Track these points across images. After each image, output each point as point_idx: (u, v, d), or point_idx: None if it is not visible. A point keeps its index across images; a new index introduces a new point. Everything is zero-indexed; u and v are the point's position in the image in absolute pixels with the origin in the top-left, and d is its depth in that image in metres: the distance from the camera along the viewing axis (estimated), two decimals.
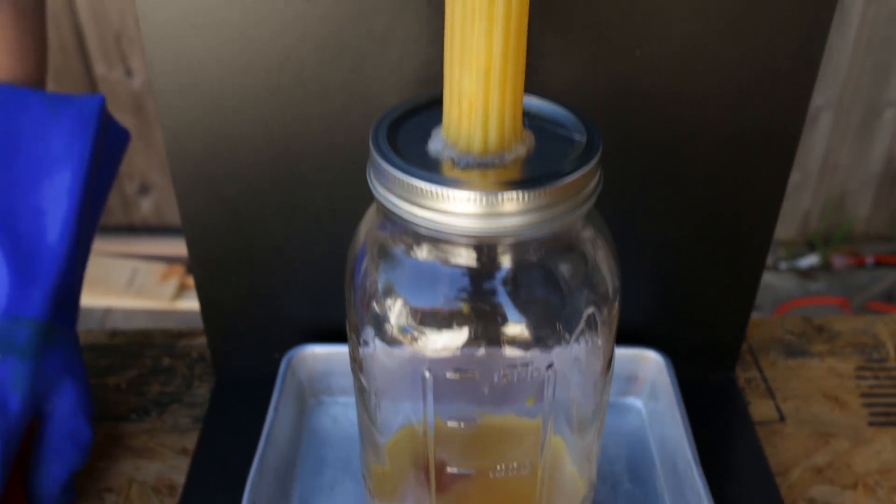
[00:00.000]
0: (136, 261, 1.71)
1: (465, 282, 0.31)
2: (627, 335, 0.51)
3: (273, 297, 0.51)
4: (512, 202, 0.29)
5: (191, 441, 0.52)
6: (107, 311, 1.65)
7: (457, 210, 0.29)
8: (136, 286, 1.66)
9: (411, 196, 0.30)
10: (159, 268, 1.70)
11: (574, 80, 0.43)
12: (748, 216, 0.48)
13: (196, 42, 0.41)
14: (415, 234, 0.31)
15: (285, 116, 0.44)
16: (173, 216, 1.68)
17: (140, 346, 0.59)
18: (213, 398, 0.54)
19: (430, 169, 0.30)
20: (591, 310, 0.34)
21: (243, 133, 0.44)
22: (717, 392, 0.54)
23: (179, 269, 1.67)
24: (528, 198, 0.29)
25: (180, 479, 0.49)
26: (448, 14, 0.29)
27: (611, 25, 0.41)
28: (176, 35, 0.41)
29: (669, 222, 0.49)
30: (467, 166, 0.31)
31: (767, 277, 1.80)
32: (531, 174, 0.30)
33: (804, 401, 0.54)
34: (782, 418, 0.53)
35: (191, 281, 1.55)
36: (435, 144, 0.32)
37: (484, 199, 0.29)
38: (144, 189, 1.74)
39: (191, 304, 1.62)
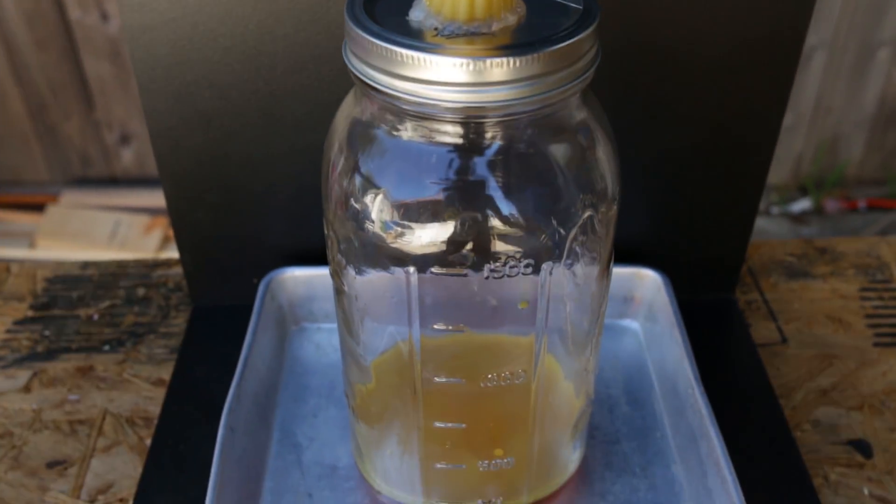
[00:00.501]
0: (118, 213, 1.68)
1: (452, 164, 0.28)
2: (623, 253, 0.48)
3: (250, 216, 0.48)
4: (500, 68, 0.26)
5: (167, 371, 0.49)
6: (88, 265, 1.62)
7: (441, 79, 0.26)
8: (119, 239, 1.63)
9: (392, 66, 0.27)
10: (142, 220, 1.66)
11: None
12: (749, 130, 0.46)
13: None
14: (397, 112, 0.28)
15: (255, 12, 0.40)
16: (155, 166, 1.65)
17: (113, 277, 0.56)
18: (190, 327, 0.51)
19: (411, 37, 0.27)
20: (588, 210, 0.31)
21: (212, 33, 0.41)
22: (718, 313, 0.51)
23: (163, 221, 1.64)
24: (518, 64, 0.26)
25: (156, 410, 0.47)
26: None
27: None
28: None
29: (669, 133, 0.46)
30: (452, 34, 0.28)
31: (760, 222, 1.78)
32: (520, 41, 0.27)
33: (807, 322, 0.52)
34: (784, 340, 0.51)
35: None
36: (416, 14, 0.29)
37: (470, 65, 0.26)
38: (125, 139, 1.70)
39: (176, 256, 1.59)
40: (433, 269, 0.29)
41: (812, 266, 0.56)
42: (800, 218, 1.79)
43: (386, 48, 0.27)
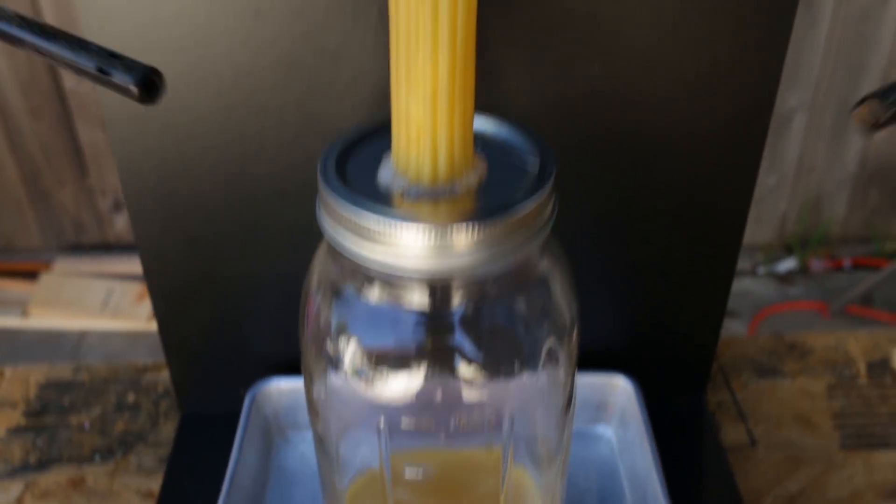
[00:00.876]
0: (110, 281, 1.69)
1: (420, 322, 0.30)
2: (594, 359, 0.50)
3: (236, 327, 0.50)
4: (463, 236, 0.28)
5: (156, 482, 0.50)
6: (82, 335, 1.63)
7: (407, 247, 0.28)
8: (112, 307, 1.64)
9: (358, 233, 0.29)
10: (135, 287, 1.68)
11: (529, 96, 0.42)
12: (713, 232, 0.48)
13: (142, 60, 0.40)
14: (365, 274, 0.30)
15: (239, 137, 0.42)
16: None
17: (104, 382, 0.58)
18: (178, 437, 0.52)
19: (378, 201, 0.29)
20: (550, 342, 0.33)
21: (196, 156, 0.43)
22: (688, 417, 0.53)
23: None
24: (480, 232, 0.28)
25: None
26: (392, 35, 0.28)
27: (568, 40, 0.40)
28: (120, 48, 0.40)
29: (632, 240, 0.48)
30: (417, 197, 0.30)
31: (746, 283, 1.80)
32: (483, 205, 0.29)
33: (776, 424, 0.53)
34: (754, 442, 0.52)
35: None
36: (385, 174, 0.31)
37: (433, 233, 0.28)
38: (118, 205, 1.72)
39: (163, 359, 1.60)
40: (403, 422, 0.31)
41: (782, 362, 0.58)
42: (786, 278, 1.82)
43: (352, 215, 0.28)
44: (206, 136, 0.42)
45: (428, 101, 0.28)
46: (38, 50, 0.26)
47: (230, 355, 0.51)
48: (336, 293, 0.32)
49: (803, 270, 1.84)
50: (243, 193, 0.44)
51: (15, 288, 1.70)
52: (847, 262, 1.84)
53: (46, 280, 1.69)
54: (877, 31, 1.60)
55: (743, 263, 1.81)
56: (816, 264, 1.84)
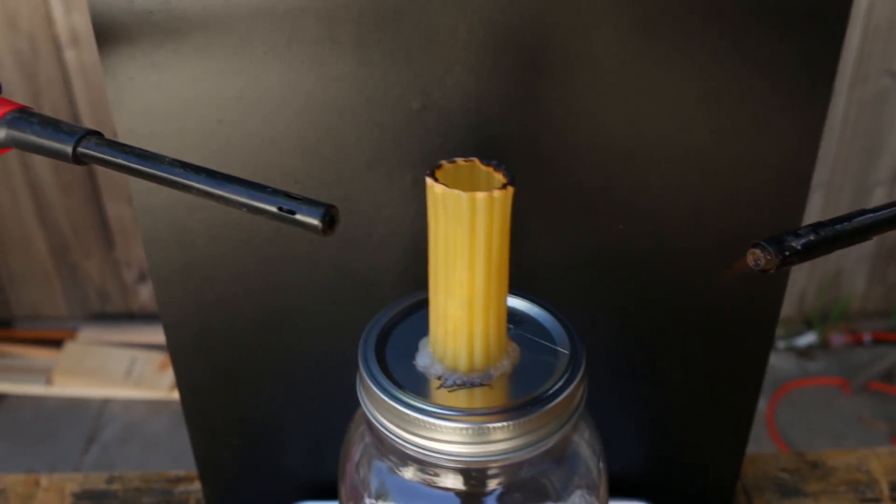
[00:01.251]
0: (134, 350, 1.71)
1: (454, 502, 0.31)
2: (619, 486, 0.50)
3: (269, 456, 0.51)
4: (500, 430, 0.29)
5: None
6: (105, 402, 1.65)
7: (444, 436, 0.30)
8: (135, 376, 1.66)
9: (399, 420, 0.30)
10: (157, 357, 1.70)
11: (557, 257, 0.43)
12: (737, 361, 0.49)
13: (188, 221, 0.42)
14: (402, 454, 0.31)
15: (276, 290, 0.44)
16: None
17: (137, 493, 0.59)
18: None
19: (417, 387, 0.31)
20: (580, 497, 0.34)
21: (237, 306, 0.45)
22: None
23: None
24: (516, 425, 0.29)
25: None
26: (431, 245, 0.30)
27: (594, 204, 0.42)
28: (170, 215, 0.42)
29: (656, 374, 0.49)
30: (454, 386, 0.31)
31: None
32: (517, 395, 0.31)
33: None
34: None
35: None
36: (423, 359, 0.32)
37: (470, 426, 0.29)
38: (143, 277, 1.75)
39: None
40: None
41: (804, 482, 0.59)
42: (806, 352, 1.81)
43: (392, 402, 0.30)
44: (244, 286, 0.44)
45: (465, 305, 0.30)
46: (209, 195, 0.27)
47: (264, 475, 0.52)
48: (372, 462, 0.33)
49: (823, 345, 1.84)
50: (280, 339, 0.46)
51: (40, 356, 1.72)
52: (867, 337, 1.84)
53: (70, 348, 1.72)
54: (892, 112, 1.62)
55: None
56: (837, 339, 1.83)
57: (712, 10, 0.37)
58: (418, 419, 0.30)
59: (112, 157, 0.28)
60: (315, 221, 0.26)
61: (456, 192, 0.28)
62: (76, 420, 1.62)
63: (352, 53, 0.38)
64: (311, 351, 0.46)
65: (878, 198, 1.74)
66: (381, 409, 0.31)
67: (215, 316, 0.45)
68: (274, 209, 0.27)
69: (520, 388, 0.32)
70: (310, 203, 0.26)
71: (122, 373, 1.66)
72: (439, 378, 0.32)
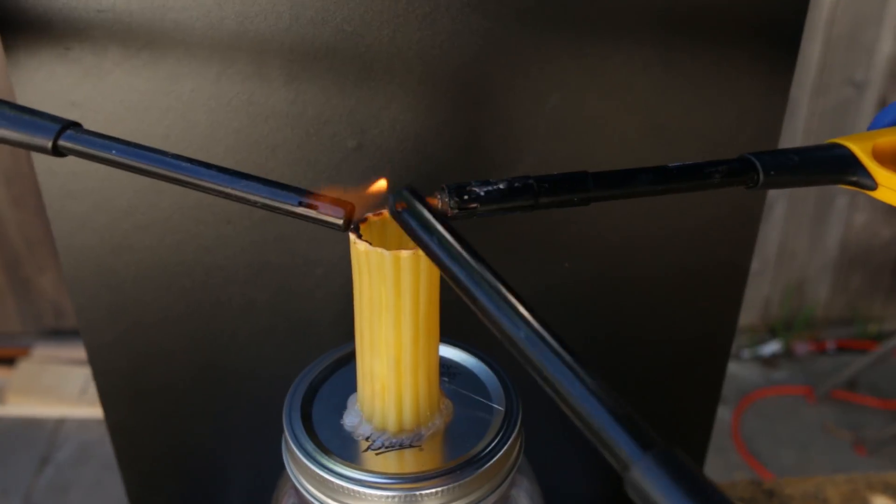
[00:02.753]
0: (89, 367, 1.67)
1: None
2: None
3: (206, 500, 0.49)
4: (430, 498, 0.28)
5: None
6: (59, 422, 1.61)
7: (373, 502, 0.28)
8: (91, 395, 1.62)
9: (323, 487, 0.28)
10: None
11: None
12: (688, 403, 0.48)
13: (115, 263, 0.40)
14: None
15: (210, 333, 0.42)
16: None
17: None
18: None
19: (344, 449, 0.29)
20: None
21: (169, 350, 0.43)
22: None
23: None
24: (448, 491, 0.28)
25: None
26: (356, 302, 0.28)
27: (539, 243, 0.41)
28: (95, 256, 0.40)
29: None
30: (382, 448, 0.30)
31: (730, 367, 1.80)
32: (450, 456, 0.29)
33: None
34: None
35: None
36: (351, 417, 0.31)
37: (400, 497, 0.28)
38: None
39: None
40: None
41: None
42: (770, 361, 1.82)
43: (317, 469, 0.28)
44: (175, 329, 0.42)
45: (392, 365, 0.28)
46: (227, 195, 0.26)
47: None
48: None
49: (788, 354, 1.84)
50: (214, 384, 0.44)
51: None
52: (831, 345, 1.85)
53: (24, 367, 1.68)
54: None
55: None
56: (801, 347, 1.84)
57: (657, 40, 0.36)
58: (343, 486, 0.28)
59: (99, 150, 0.26)
60: (336, 219, 0.26)
61: (379, 250, 0.26)
62: (29, 440, 1.58)
63: (283, 90, 0.36)
64: (247, 394, 0.45)
65: (841, 206, 1.75)
66: (306, 474, 0.29)
67: (147, 359, 0.43)
68: (295, 205, 0.26)
69: (453, 448, 0.30)
70: (333, 201, 0.26)
71: (78, 391, 1.63)
72: (367, 439, 0.30)
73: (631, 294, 0.43)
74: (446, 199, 0.26)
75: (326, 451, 0.29)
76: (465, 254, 0.23)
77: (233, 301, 0.41)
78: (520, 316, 0.21)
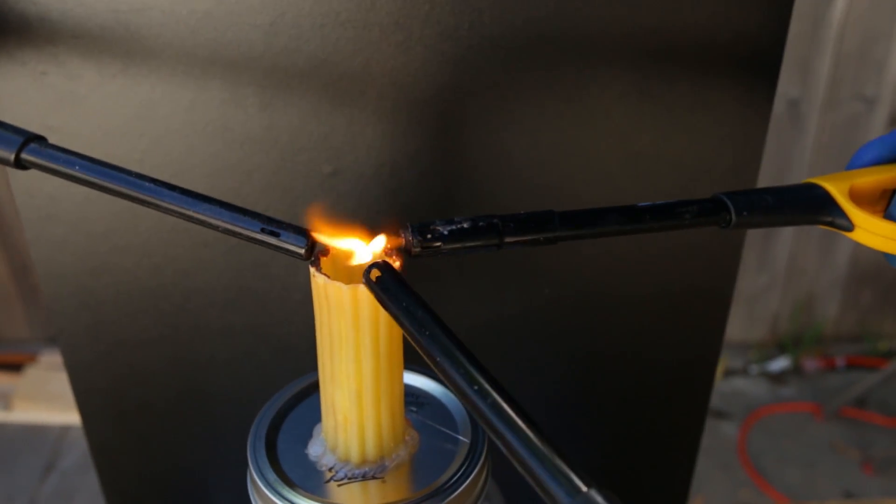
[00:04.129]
0: None
1: None
2: None
3: None
4: None
5: None
6: (65, 429, 1.62)
7: None
8: None
9: None
10: None
11: (481, 321, 0.42)
12: (673, 427, 0.48)
13: (95, 285, 0.40)
14: None
15: (190, 354, 0.42)
16: None
17: None
18: None
19: (308, 480, 0.29)
20: None
21: (149, 370, 0.43)
22: None
23: None
24: None
25: None
26: (318, 334, 0.28)
27: (516, 268, 0.41)
28: (74, 277, 0.40)
29: (590, 437, 0.48)
30: (345, 479, 0.29)
31: (738, 383, 1.79)
32: (414, 489, 0.29)
33: None
34: None
35: None
36: (315, 447, 0.30)
37: None
38: None
39: None
40: None
41: None
42: (778, 377, 1.80)
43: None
44: (155, 351, 0.42)
45: (353, 397, 0.28)
46: (189, 218, 0.26)
47: None
48: None
49: (796, 370, 1.83)
50: (196, 406, 0.44)
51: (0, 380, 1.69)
52: (840, 362, 1.83)
53: (31, 374, 1.68)
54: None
55: (735, 362, 1.80)
56: (809, 364, 1.82)
57: (634, 68, 0.36)
58: None
59: (62, 166, 0.26)
60: (298, 248, 0.26)
61: (337, 283, 0.26)
62: (35, 447, 1.59)
63: (258, 116, 0.36)
64: (226, 416, 0.45)
65: None
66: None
67: (127, 380, 0.43)
68: (257, 231, 0.26)
69: (417, 480, 0.30)
70: (295, 230, 0.26)
71: None
72: (331, 469, 0.30)
73: (614, 316, 0.43)
74: (410, 238, 0.26)
75: (289, 483, 0.29)
76: (433, 326, 0.23)
77: (211, 325, 0.42)
78: (472, 377, 0.22)
